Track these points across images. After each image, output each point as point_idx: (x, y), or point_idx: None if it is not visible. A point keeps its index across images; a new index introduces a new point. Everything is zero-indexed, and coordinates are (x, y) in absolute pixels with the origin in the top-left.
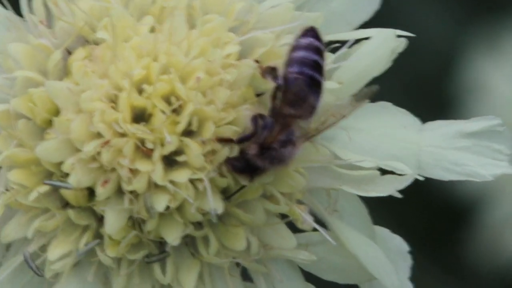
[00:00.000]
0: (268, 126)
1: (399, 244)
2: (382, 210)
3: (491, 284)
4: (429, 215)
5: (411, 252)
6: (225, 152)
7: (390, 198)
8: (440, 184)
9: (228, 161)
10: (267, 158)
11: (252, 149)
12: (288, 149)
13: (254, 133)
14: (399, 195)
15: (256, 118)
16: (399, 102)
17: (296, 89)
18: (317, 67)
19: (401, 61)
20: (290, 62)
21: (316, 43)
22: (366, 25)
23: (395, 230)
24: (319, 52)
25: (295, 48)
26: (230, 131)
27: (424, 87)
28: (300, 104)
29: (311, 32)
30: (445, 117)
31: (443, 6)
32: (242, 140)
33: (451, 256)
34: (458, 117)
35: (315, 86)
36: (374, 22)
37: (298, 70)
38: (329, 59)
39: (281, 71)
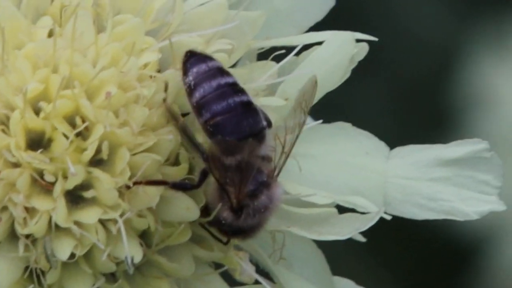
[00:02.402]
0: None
1: None
2: (355, 251)
3: None
4: (420, 255)
5: None
6: (152, 192)
7: (369, 235)
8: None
9: (211, 224)
10: (249, 217)
11: (225, 216)
12: (264, 195)
13: (195, 186)
14: (362, 239)
15: (204, 172)
16: (384, 115)
17: (223, 135)
18: (227, 88)
19: (387, 66)
20: (196, 110)
21: (204, 65)
22: (342, 20)
23: (381, 277)
24: (215, 73)
25: (189, 90)
26: (148, 160)
27: (412, 95)
28: (239, 145)
29: (190, 58)
30: (442, 134)
31: None
32: (177, 187)
33: None
34: (457, 134)
35: (241, 111)
36: (345, 18)
37: (210, 115)
38: (272, 69)
39: (196, 125)
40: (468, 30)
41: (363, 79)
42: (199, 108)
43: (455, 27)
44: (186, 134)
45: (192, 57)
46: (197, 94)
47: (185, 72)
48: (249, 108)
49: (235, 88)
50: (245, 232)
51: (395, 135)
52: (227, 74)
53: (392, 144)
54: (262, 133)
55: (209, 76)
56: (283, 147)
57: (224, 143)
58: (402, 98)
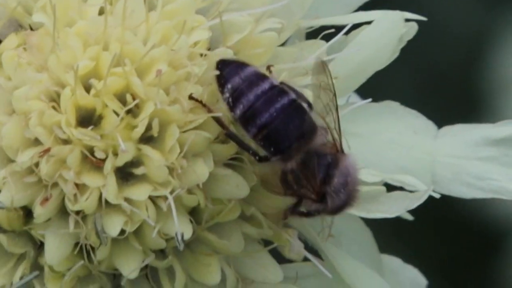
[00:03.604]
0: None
1: (413, 277)
2: (396, 235)
3: None
4: (455, 240)
5: (430, 286)
6: (201, 169)
7: (405, 220)
8: (467, 202)
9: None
10: (335, 199)
11: (315, 208)
12: (336, 175)
13: (299, 201)
14: (410, 217)
15: (285, 180)
16: (412, 101)
17: (275, 145)
18: (265, 96)
19: (415, 50)
20: (242, 126)
21: (237, 78)
22: (370, 5)
23: (410, 258)
24: (251, 83)
25: (229, 107)
26: (199, 137)
27: (444, 82)
28: (294, 149)
29: (223, 70)
30: (471, 120)
31: None
32: (293, 212)
33: None
34: (486, 120)
35: (285, 115)
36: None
37: (257, 130)
38: (321, 48)
39: (245, 138)
40: (499, 16)
41: (394, 66)
42: (244, 124)
43: (485, 13)
44: (234, 140)
45: (225, 69)
46: (238, 111)
47: (221, 88)
48: (292, 108)
49: (273, 92)
50: (343, 206)
51: None
52: (263, 78)
53: None
54: (311, 128)
55: (245, 89)
56: (331, 126)
57: (280, 153)
58: (433, 85)
